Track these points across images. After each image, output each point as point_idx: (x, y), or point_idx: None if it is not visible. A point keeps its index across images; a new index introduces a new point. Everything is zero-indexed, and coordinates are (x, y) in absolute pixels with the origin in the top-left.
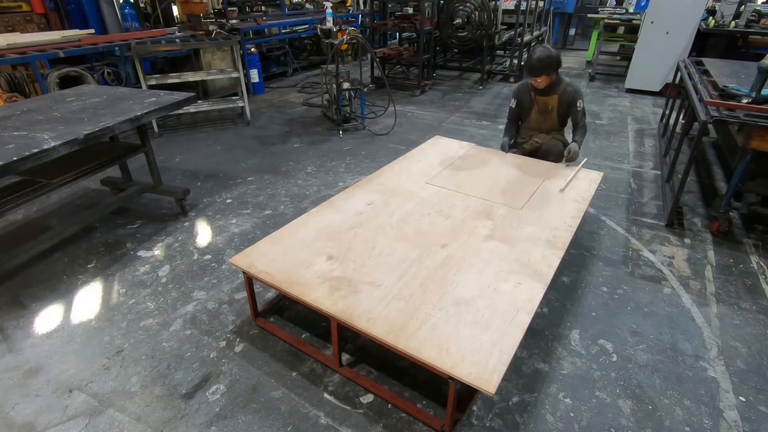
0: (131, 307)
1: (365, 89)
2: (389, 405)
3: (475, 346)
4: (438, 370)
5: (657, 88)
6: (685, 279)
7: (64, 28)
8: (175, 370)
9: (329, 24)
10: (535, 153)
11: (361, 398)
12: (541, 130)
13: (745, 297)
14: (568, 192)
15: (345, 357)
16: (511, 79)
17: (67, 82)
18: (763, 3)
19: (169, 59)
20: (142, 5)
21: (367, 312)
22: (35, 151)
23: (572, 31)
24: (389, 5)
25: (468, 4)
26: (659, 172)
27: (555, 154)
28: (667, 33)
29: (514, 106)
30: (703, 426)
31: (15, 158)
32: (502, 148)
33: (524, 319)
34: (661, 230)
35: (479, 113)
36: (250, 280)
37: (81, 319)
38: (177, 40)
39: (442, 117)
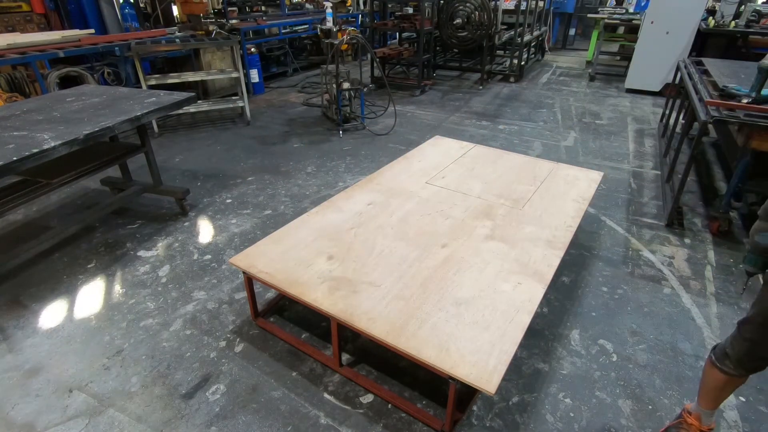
0: (131, 307)
1: (365, 89)
2: (389, 405)
3: (475, 346)
4: (438, 370)
5: (657, 88)
6: (685, 279)
7: (64, 28)
8: (175, 370)
9: (329, 24)
10: None
11: (361, 398)
12: None
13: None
14: (568, 192)
15: (345, 357)
16: (511, 79)
17: (67, 82)
18: (763, 3)
19: (169, 59)
20: (142, 5)
21: (367, 312)
22: (35, 151)
23: (572, 31)
24: (389, 5)
25: (468, 4)
26: (659, 172)
27: None
28: (667, 33)
29: None
30: None
31: (15, 158)
32: None
33: (524, 319)
34: (661, 230)
35: (479, 113)
36: (250, 280)
37: (81, 319)
38: (177, 40)
39: (442, 117)
